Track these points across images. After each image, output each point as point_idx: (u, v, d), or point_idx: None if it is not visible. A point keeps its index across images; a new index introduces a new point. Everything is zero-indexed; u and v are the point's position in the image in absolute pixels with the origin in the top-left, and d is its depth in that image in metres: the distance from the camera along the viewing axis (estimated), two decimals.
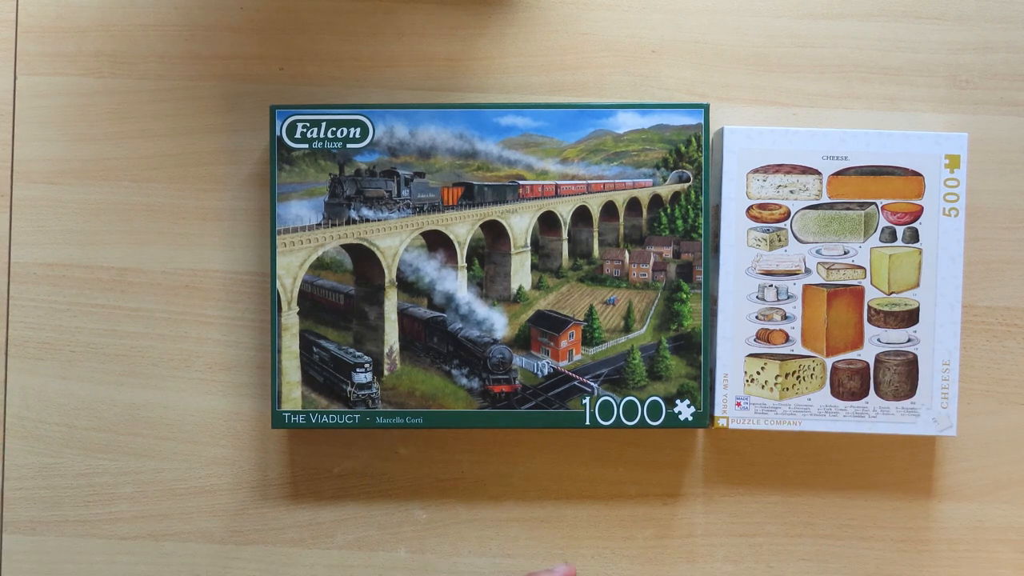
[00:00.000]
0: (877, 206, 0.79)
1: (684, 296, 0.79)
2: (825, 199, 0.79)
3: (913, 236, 0.79)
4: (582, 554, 0.82)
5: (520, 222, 0.80)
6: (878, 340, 0.79)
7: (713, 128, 0.81)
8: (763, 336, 0.79)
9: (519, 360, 0.79)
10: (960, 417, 0.80)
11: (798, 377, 0.79)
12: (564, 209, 0.80)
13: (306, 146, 0.79)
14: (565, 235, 0.80)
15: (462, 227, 0.80)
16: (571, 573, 0.77)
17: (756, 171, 0.79)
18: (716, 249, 0.80)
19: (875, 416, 0.79)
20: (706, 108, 0.79)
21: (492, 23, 0.82)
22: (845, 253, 0.79)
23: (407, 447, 0.82)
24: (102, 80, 0.82)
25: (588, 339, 0.79)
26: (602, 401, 0.79)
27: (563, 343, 0.79)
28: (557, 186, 0.80)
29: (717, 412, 0.79)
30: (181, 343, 0.82)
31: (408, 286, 0.80)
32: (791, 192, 0.79)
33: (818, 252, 0.79)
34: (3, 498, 0.82)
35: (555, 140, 0.79)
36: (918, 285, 0.79)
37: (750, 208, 0.79)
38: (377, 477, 0.82)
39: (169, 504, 0.82)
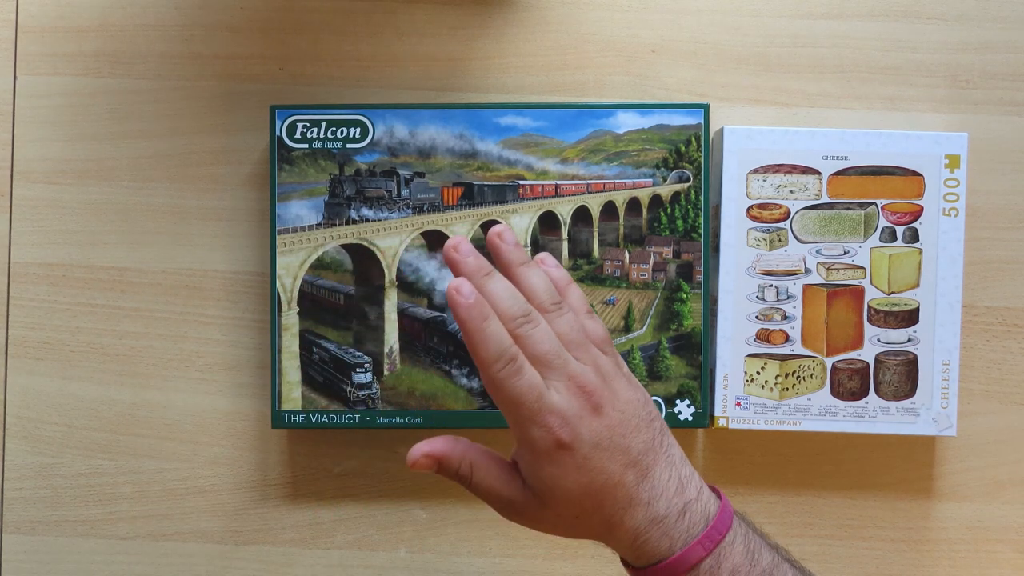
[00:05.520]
0: (877, 206, 0.79)
1: (684, 296, 0.79)
2: (825, 199, 0.79)
3: (913, 236, 0.79)
4: (582, 554, 0.82)
5: (520, 222, 0.80)
6: (878, 340, 0.79)
7: (713, 128, 0.81)
8: (763, 336, 0.79)
9: None
10: (960, 417, 0.80)
11: (798, 377, 0.79)
12: (564, 209, 0.80)
13: (306, 146, 0.79)
14: (565, 235, 0.80)
15: (462, 227, 0.80)
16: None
17: (756, 171, 0.79)
18: (716, 249, 0.80)
19: (875, 416, 0.79)
20: (706, 108, 0.79)
21: (492, 23, 0.82)
22: (845, 253, 0.79)
23: (407, 447, 0.82)
24: (102, 80, 0.82)
25: None
26: None
27: None
28: (557, 186, 0.80)
29: (717, 412, 0.79)
30: (181, 343, 0.82)
31: (408, 286, 0.80)
32: (791, 192, 0.79)
33: (818, 252, 0.79)
34: (3, 498, 0.82)
35: (555, 140, 0.79)
36: (918, 285, 0.79)
37: (750, 208, 0.79)
38: (377, 477, 0.82)
39: (169, 504, 0.82)
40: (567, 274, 0.64)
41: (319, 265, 0.79)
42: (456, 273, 0.61)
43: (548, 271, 0.64)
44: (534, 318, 0.60)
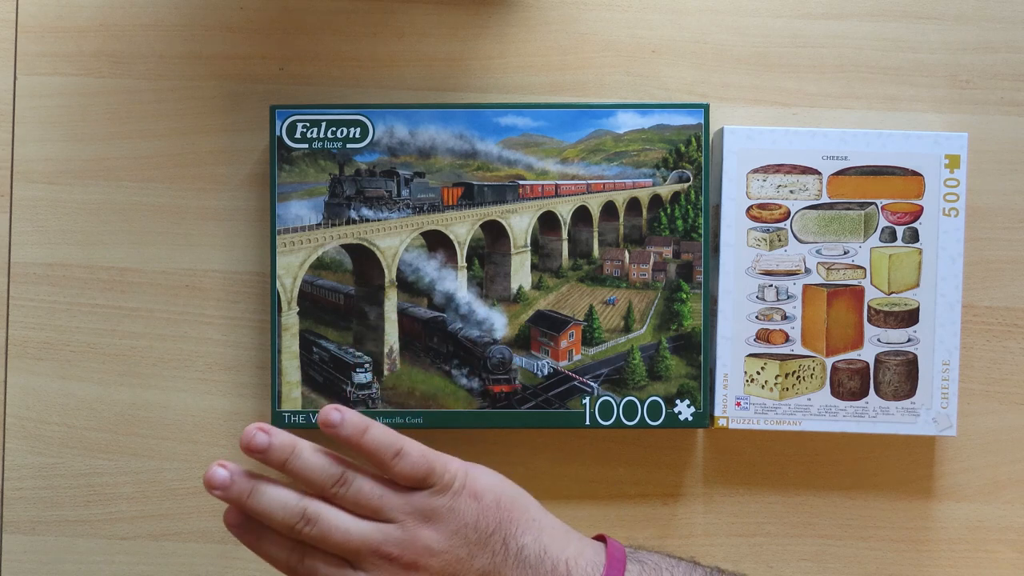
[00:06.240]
0: (877, 206, 0.79)
1: (684, 296, 0.79)
2: (825, 199, 0.79)
3: (913, 236, 0.79)
4: None
5: (520, 222, 0.80)
6: (878, 340, 0.79)
7: (713, 128, 0.81)
8: (763, 336, 0.79)
9: (519, 360, 0.79)
10: (960, 417, 0.80)
11: (798, 377, 0.79)
12: (564, 209, 0.80)
13: (306, 146, 0.79)
14: (565, 235, 0.80)
15: (462, 227, 0.80)
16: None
17: (756, 171, 0.79)
18: (716, 249, 0.80)
19: (875, 416, 0.79)
20: (706, 108, 0.79)
21: (492, 23, 0.82)
22: (845, 253, 0.79)
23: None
24: (102, 80, 0.82)
25: (588, 339, 0.79)
26: (602, 401, 0.79)
27: (563, 343, 0.79)
28: (557, 186, 0.80)
29: (717, 412, 0.79)
30: (181, 343, 0.82)
31: (408, 286, 0.80)
32: (791, 192, 0.79)
33: (818, 252, 0.79)
34: (3, 498, 0.82)
35: (555, 140, 0.79)
36: (918, 285, 0.79)
37: (750, 208, 0.79)
38: None
39: (169, 504, 0.82)
40: (362, 419, 0.62)
41: (319, 265, 0.79)
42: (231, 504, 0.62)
43: (340, 425, 0.62)
44: (311, 516, 0.60)
